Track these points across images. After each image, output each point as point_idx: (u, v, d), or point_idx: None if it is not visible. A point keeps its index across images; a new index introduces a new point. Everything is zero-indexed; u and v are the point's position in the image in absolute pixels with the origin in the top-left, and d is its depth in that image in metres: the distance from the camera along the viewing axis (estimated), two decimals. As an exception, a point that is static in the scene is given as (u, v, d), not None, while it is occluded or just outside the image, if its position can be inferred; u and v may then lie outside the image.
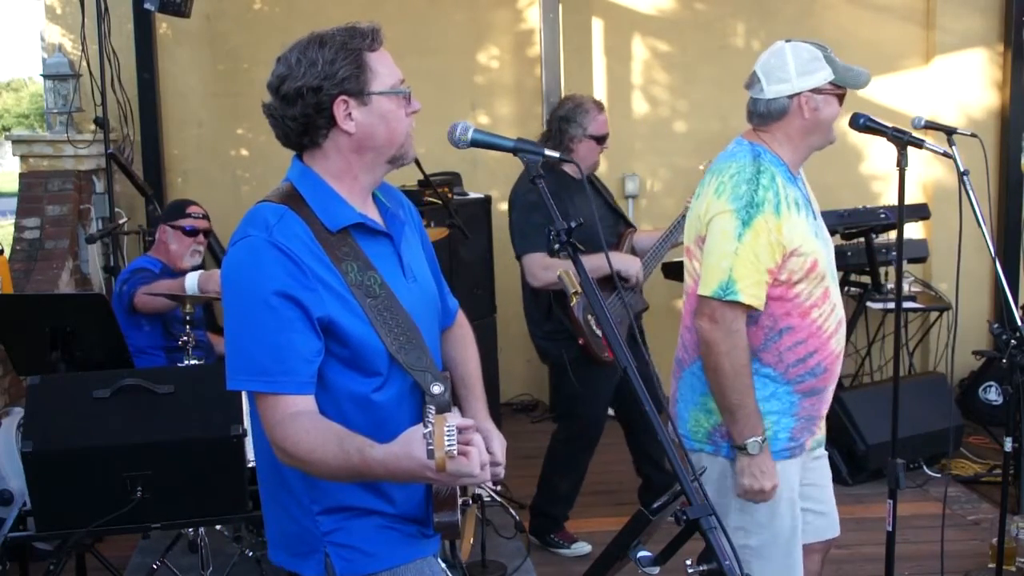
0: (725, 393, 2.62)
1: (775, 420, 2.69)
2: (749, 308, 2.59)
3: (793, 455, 2.73)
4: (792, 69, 2.66)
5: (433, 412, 1.67)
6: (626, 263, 4.13)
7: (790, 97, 2.66)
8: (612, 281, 3.90)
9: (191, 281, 3.95)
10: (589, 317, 3.99)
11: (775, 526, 2.71)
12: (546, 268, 3.94)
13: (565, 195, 3.97)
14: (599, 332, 3.99)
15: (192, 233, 4.34)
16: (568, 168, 4.12)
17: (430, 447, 1.58)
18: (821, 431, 2.80)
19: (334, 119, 1.88)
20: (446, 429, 1.58)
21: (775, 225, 2.56)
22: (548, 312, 4.15)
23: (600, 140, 4.14)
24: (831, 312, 2.69)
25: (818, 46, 2.67)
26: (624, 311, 4.03)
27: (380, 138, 1.92)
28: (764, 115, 2.72)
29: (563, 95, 6.28)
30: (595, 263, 3.96)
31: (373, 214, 1.99)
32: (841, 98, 2.68)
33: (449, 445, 1.57)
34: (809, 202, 2.73)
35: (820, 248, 2.66)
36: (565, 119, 4.13)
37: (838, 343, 2.72)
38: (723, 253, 2.58)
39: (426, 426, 1.62)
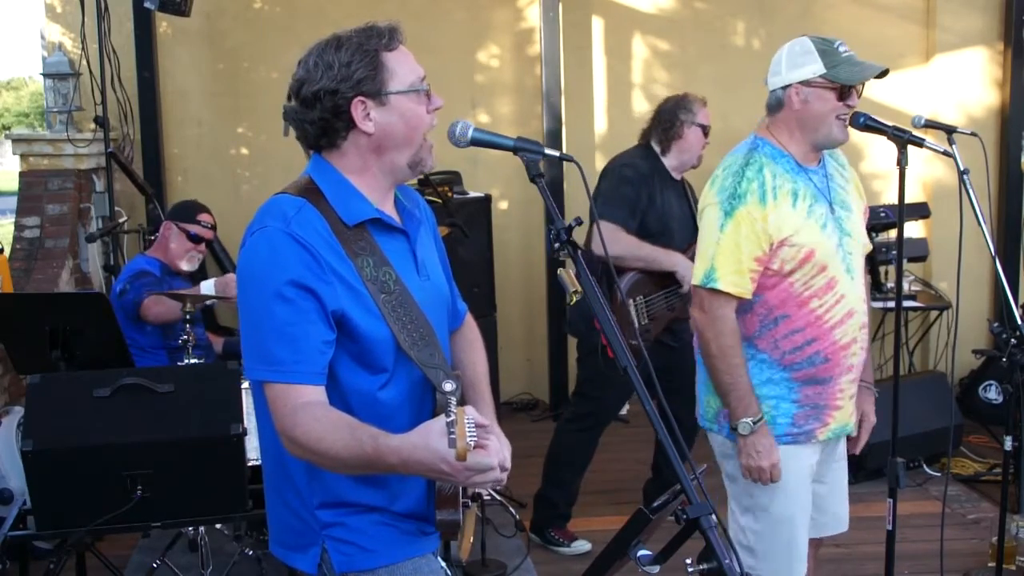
0: (716, 375, 2.75)
1: (774, 404, 2.76)
2: (731, 296, 2.69)
3: (797, 441, 2.77)
4: (784, 63, 2.74)
5: (454, 403, 1.67)
6: (688, 269, 4.10)
7: (783, 89, 2.74)
8: (664, 280, 3.99)
9: (207, 289, 3.97)
10: (631, 301, 3.97)
11: (775, 509, 2.78)
12: (614, 241, 3.94)
13: (659, 183, 4.08)
14: (635, 319, 3.97)
15: (195, 240, 4.33)
16: (669, 160, 4.19)
17: (452, 435, 1.58)
18: (836, 422, 2.81)
19: (352, 121, 1.89)
20: (467, 420, 1.58)
21: (760, 215, 2.65)
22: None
23: (706, 131, 4.21)
24: (836, 303, 2.72)
25: (823, 40, 2.70)
26: (664, 310, 4.05)
27: (399, 136, 1.92)
28: (768, 107, 2.81)
29: (563, 94, 6.30)
30: (654, 255, 3.98)
31: (391, 211, 2.00)
32: (840, 93, 2.68)
33: (471, 436, 1.57)
34: (828, 193, 2.76)
35: (822, 240, 2.69)
36: (675, 106, 4.20)
37: (844, 334, 2.74)
38: (708, 243, 2.73)
39: (448, 415, 1.62)
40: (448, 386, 1.75)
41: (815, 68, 2.67)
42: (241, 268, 1.88)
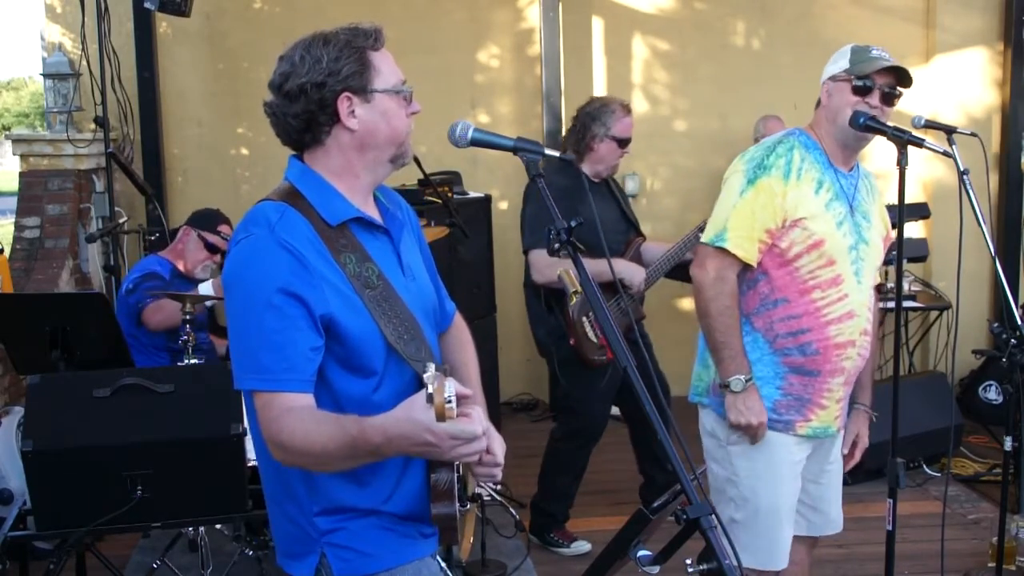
0: (710, 332, 2.81)
1: (759, 386, 2.81)
2: (736, 259, 2.76)
3: (774, 428, 2.82)
4: (828, 62, 2.88)
5: (432, 368, 1.66)
6: (630, 271, 4.12)
7: (823, 85, 2.87)
8: (612, 287, 3.93)
9: (206, 291, 3.97)
10: (584, 319, 3.99)
11: (758, 501, 2.83)
12: (550, 265, 3.93)
13: (577, 194, 3.94)
14: (592, 336, 3.99)
15: (212, 250, 4.34)
16: (587, 167, 4.16)
17: (430, 393, 1.58)
18: (818, 420, 2.85)
19: (337, 115, 1.89)
20: (446, 384, 1.59)
21: (780, 190, 2.73)
22: (550, 308, 4.16)
23: (622, 143, 4.16)
24: (837, 300, 2.77)
25: (863, 47, 2.81)
26: (621, 317, 4.03)
27: (382, 136, 1.93)
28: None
29: (563, 94, 6.31)
30: (597, 268, 3.97)
31: (373, 212, 2.00)
32: (854, 88, 2.75)
33: (449, 396, 1.58)
34: (851, 198, 2.82)
35: (835, 234, 2.75)
36: (590, 116, 4.14)
37: (839, 332, 2.78)
38: (725, 206, 2.80)
39: (426, 371, 1.63)
40: (429, 367, 1.75)
41: (842, 64, 2.79)
42: (227, 277, 1.87)
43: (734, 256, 2.76)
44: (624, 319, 4.03)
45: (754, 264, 2.77)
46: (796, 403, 2.82)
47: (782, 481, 2.83)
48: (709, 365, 2.91)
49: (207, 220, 4.42)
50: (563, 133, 6.22)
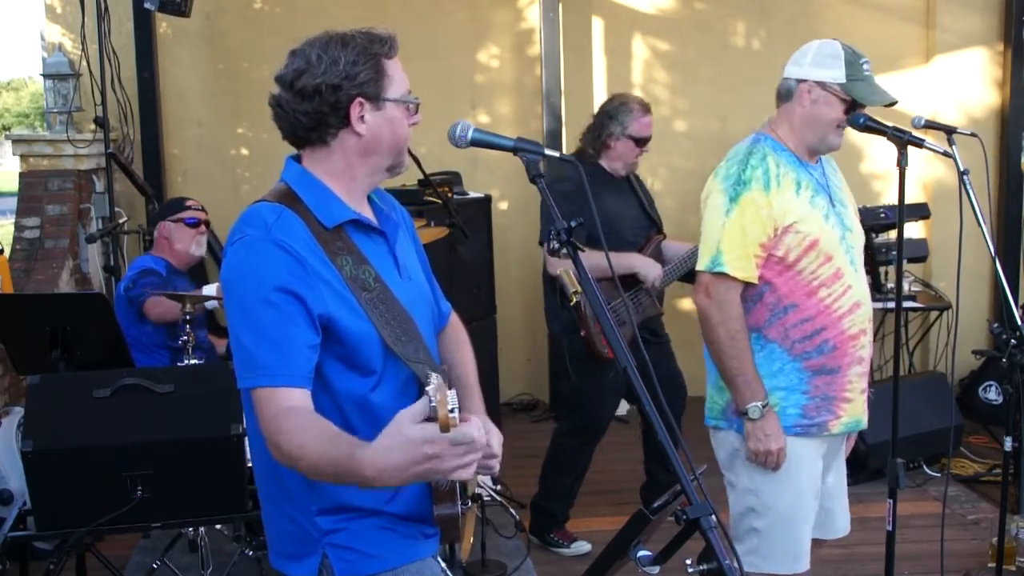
0: (723, 361, 2.77)
1: (783, 396, 2.79)
2: (737, 281, 2.72)
3: (808, 433, 2.79)
4: (809, 57, 2.78)
5: (433, 379, 1.64)
6: (646, 266, 4.13)
7: (798, 81, 2.78)
8: (628, 281, 3.95)
9: (209, 292, 3.99)
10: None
11: (781, 508, 2.80)
12: (566, 259, 3.93)
13: (595, 189, 3.99)
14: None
15: (194, 224, 4.36)
16: (605, 163, 4.18)
17: (433, 405, 1.56)
18: (848, 415, 2.83)
19: (348, 119, 1.89)
20: (448, 394, 1.57)
21: (764, 201, 2.70)
22: (562, 300, 4.17)
23: (640, 142, 4.18)
24: (843, 293, 2.77)
25: (853, 52, 2.75)
26: (627, 313, 4.03)
27: (386, 143, 1.93)
28: (778, 95, 2.84)
29: (563, 94, 6.31)
30: (619, 261, 3.99)
31: (368, 214, 2.01)
32: (849, 107, 2.73)
33: (452, 407, 1.55)
34: (827, 189, 2.81)
35: (826, 229, 2.74)
36: (608, 115, 4.17)
37: (852, 324, 2.78)
38: (713, 228, 2.75)
39: (428, 383, 1.59)
40: (432, 378, 1.73)
41: (836, 74, 2.72)
42: (225, 277, 1.87)
43: (734, 278, 2.72)
44: (630, 316, 4.04)
45: (755, 282, 2.74)
46: (824, 403, 2.80)
47: (807, 486, 2.82)
48: (723, 387, 2.86)
49: (171, 208, 4.47)
50: (563, 133, 6.29)
